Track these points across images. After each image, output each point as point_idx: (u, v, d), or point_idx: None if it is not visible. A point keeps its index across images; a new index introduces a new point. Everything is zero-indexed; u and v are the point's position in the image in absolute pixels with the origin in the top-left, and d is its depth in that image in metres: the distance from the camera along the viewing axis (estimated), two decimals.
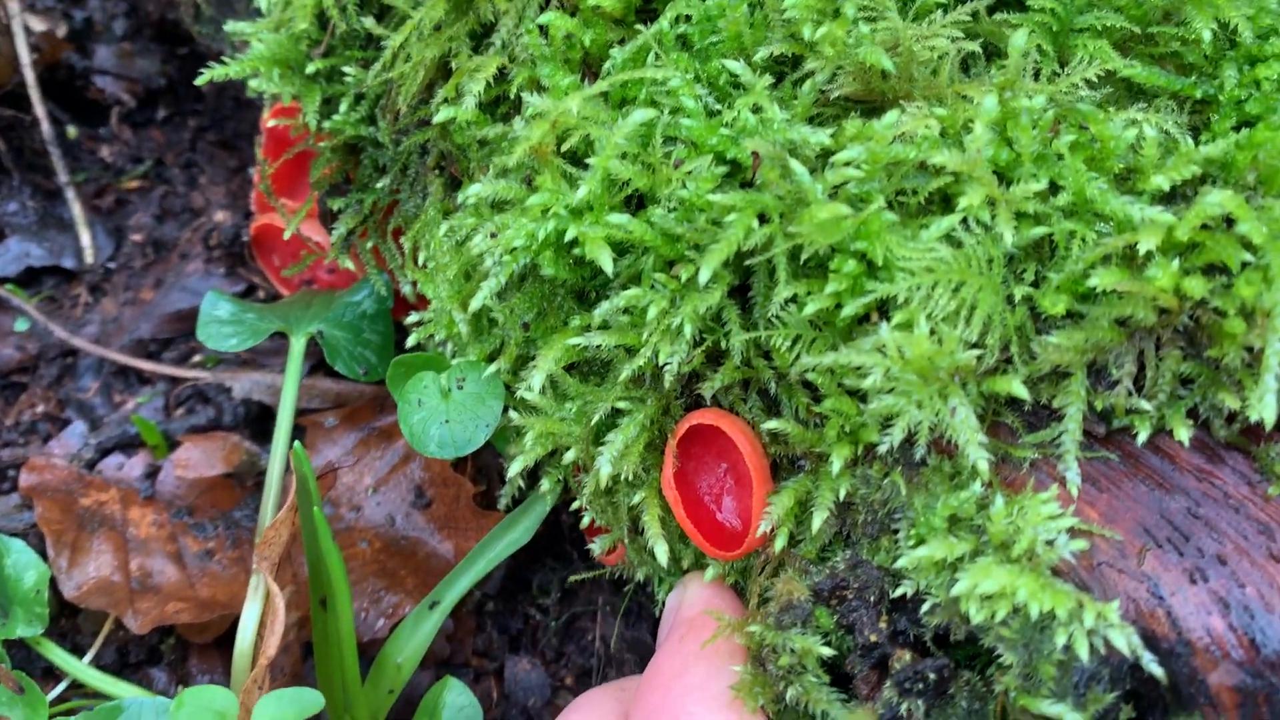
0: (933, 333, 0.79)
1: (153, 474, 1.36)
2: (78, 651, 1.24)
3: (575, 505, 1.06)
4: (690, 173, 0.88)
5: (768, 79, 0.90)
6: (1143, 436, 0.79)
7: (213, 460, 1.33)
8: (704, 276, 0.83)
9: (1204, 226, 0.76)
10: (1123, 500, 0.79)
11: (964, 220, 0.82)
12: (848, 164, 0.84)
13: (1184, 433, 0.77)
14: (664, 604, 1.01)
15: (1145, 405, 0.79)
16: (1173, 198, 0.83)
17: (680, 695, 0.83)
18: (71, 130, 1.68)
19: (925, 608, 0.80)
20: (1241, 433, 0.78)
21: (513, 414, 1.03)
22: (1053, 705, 0.73)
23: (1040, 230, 0.82)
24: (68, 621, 1.27)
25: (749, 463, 0.91)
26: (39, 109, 1.57)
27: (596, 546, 1.08)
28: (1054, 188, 0.84)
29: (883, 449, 0.82)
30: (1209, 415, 0.79)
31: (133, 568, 1.23)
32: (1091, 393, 0.80)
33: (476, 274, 1.07)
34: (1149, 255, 0.77)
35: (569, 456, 0.98)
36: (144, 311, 1.54)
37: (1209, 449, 0.79)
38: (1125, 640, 0.72)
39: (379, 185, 1.23)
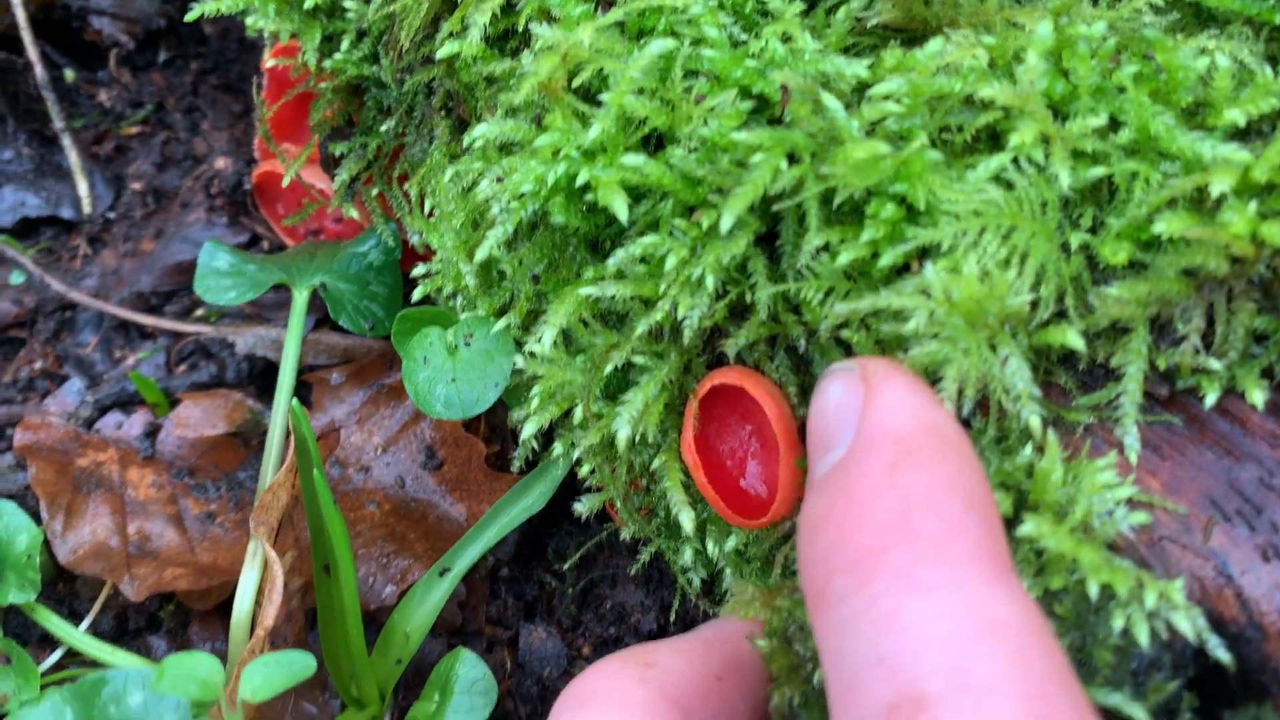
0: (983, 276, 0.71)
1: (153, 433, 1.31)
2: (75, 618, 1.20)
3: (558, 448, 0.99)
4: (713, 109, 0.81)
5: (799, 5, 0.82)
6: (1211, 399, 0.71)
7: (214, 419, 1.27)
8: (726, 223, 0.76)
9: None
10: (1187, 469, 0.72)
11: (1015, 160, 0.75)
12: (886, 98, 0.76)
13: (1258, 395, 0.70)
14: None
15: (1214, 364, 0.71)
16: (1248, 134, 0.75)
17: None
18: (69, 74, 1.62)
19: None
20: None
21: (519, 361, 0.96)
22: (1109, 694, 0.66)
23: (1099, 171, 0.74)
24: (65, 587, 1.22)
25: (775, 426, 0.84)
26: (32, 51, 1.51)
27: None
28: (1114, 124, 0.76)
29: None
30: None
31: (131, 531, 1.18)
32: (1154, 350, 0.73)
33: (484, 222, 1.00)
34: (1222, 198, 0.69)
35: (579, 414, 0.92)
36: (144, 263, 1.48)
37: None
38: (1190, 623, 0.65)
39: (383, 128, 1.16)
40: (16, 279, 1.47)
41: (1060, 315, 0.74)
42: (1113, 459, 0.71)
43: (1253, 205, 0.67)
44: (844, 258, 0.76)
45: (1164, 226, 0.69)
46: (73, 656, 1.15)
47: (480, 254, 0.92)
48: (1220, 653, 0.65)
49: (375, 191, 1.22)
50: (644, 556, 1.02)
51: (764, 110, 0.82)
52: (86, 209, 1.53)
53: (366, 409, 1.29)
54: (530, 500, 1.09)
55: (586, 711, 0.70)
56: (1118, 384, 0.73)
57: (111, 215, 1.55)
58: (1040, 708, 0.50)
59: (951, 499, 0.59)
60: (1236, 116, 0.73)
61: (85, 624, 1.18)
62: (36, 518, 1.16)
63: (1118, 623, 0.66)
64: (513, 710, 1.16)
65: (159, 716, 0.85)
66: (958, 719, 0.49)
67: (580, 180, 0.83)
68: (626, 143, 0.84)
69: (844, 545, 0.59)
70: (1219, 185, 0.68)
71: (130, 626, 1.20)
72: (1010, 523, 0.71)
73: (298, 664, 0.84)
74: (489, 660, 1.11)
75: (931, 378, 0.74)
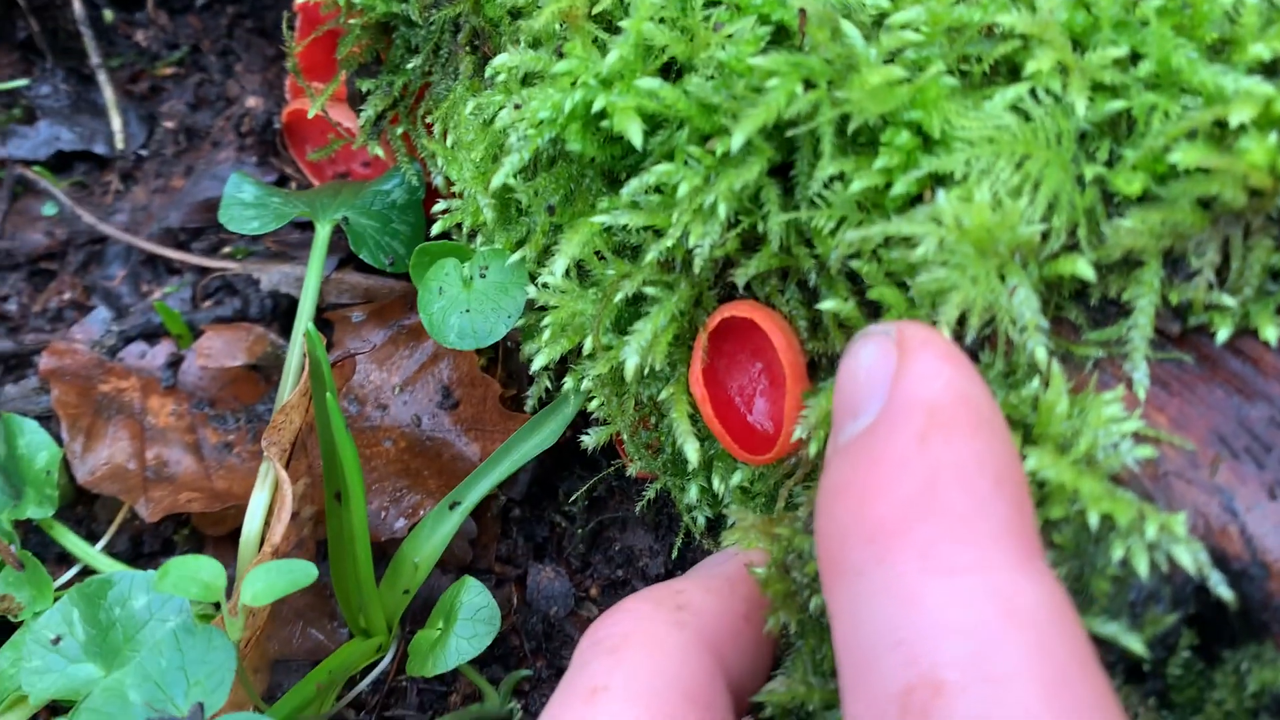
0: (995, 204, 0.71)
1: (176, 364, 1.32)
2: (93, 539, 1.22)
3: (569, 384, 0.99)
4: (731, 36, 0.80)
5: None
6: (1223, 335, 0.70)
7: (235, 351, 1.29)
8: (736, 143, 0.75)
9: None
10: (1196, 406, 0.71)
11: (1033, 91, 0.74)
12: (905, 26, 0.76)
13: (1272, 332, 0.68)
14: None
15: (1228, 300, 0.70)
16: (1274, 72, 0.74)
17: None
18: (108, 14, 1.64)
19: None
20: None
21: (531, 290, 0.96)
22: (1105, 624, 0.65)
23: (1118, 104, 0.73)
24: (84, 509, 1.24)
25: (782, 359, 0.84)
26: None
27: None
28: (1135, 57, 0.75)
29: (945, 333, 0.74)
30: None
31: (149, 456, 1.20)
32: (1167, 285, 0.72)
33: (503, 153, 1.00)
34: (1241, 129, 0.68)
35: (589, 345, 0.92)
36: (174, 200, 1.50)
37: None
38: (1191, 557, 0.64)
39: (410, 66, 1.16)
40: (49, 210, 1.50)
41: (1072, 248, 0.73)
42: (1120, 393, 0.70)
43: (1273, 136, 0.66)
44: (857, 186, 0.75)
45: (1180, 157, 0.68)
46: (88, 575, 1.17)
47: (496, 180, 0.93)
48: (1222, 589, 0.64)
49: (400, 131, 1.23)
50: (649, 494, 1.03)
51: (784, 40, 0.82)
52: (120, 145, 1.56)
53: (387, 348, 1.30)
54: (542, 437, 1.09)
55: (622, 657, 0.68)
56: (1128, 319, 0.72)
57: (144, 152, 1.57)
58: (1062, 700, 0.49)
59: (982, 476, 0.57)
60: (1262, 51, 0.71)
61: (101, 544, 1.20)
62: (58, 440, 1.18)
63: (1117, 553, 0.65)
64: (517, 646, 1.16)
65: (162, 619, 0.87)
66: (976, 709, 0.48)
67: (597, 107, 0.83)
68: (645, 71, 0.84)
69: (865, 515, 0.57)
70: (1239, 116, 0.67)
71: (145, 549, 1.22)
72: None
73: (298, 571, 0.85)
74: (497, 596, 1.11)
75: (937, 305, 0.74)
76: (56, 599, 1.00)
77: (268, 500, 1.03)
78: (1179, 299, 0.71)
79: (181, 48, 1.66)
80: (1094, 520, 0.66)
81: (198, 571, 0.82)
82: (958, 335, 0.74)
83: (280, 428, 0.99)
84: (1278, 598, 0.65)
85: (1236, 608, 0.65)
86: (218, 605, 0.94)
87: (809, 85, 0.76)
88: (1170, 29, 0.73)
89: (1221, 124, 0.69)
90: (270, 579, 0.83)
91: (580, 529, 1.24)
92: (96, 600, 0.89)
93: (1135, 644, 0.64)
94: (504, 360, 1.31)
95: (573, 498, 1.25)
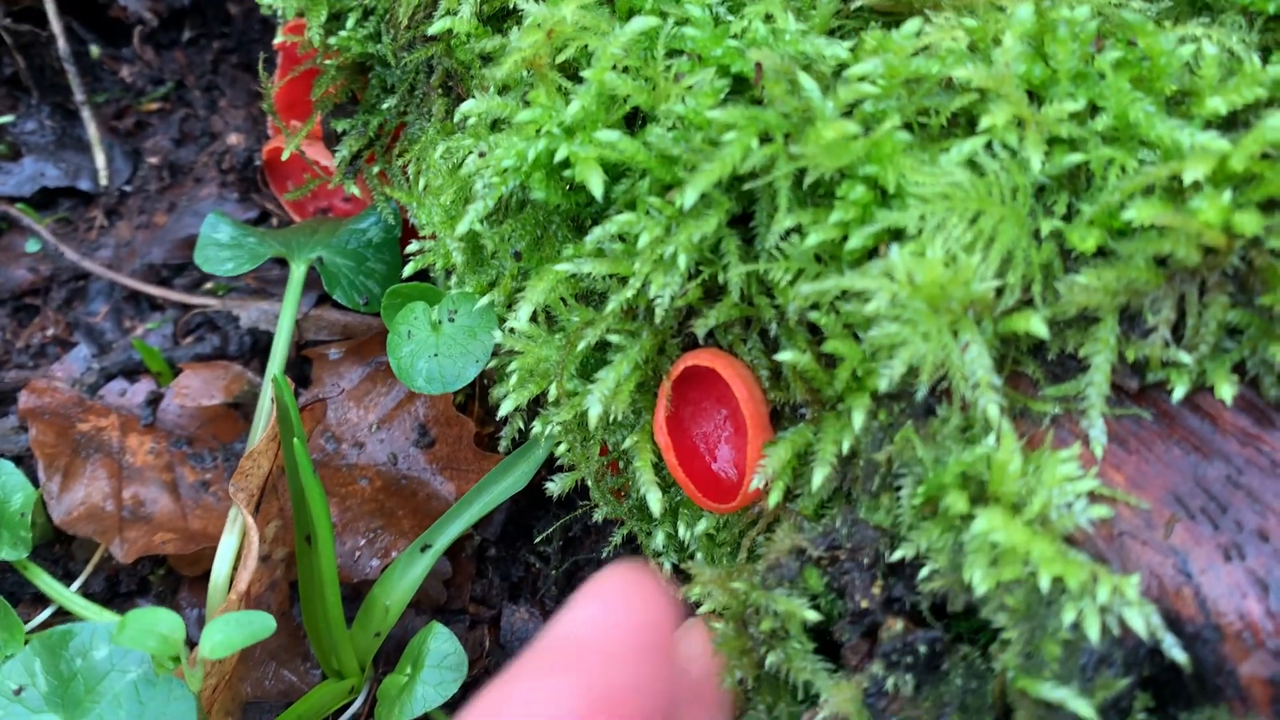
0: (949, 260, 0.70)
1: (155, 401, 1.32)
2: (69, 579, 1.22)
3: (537, 430, 0.98)
4: (691, 87, 0.80)
5: None
6: (1179, 392, 0.69)
7: (212, 389, 1.29)
8: (689, 198, 0.75)
9: (1264, 156, 0.66)
10: (1153, 464, 0.70)
11: (989, 145, 0.74)
12: (862, 79, 0.75)
13: (1228, 390, 0.68)
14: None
15: (1184, 357, 0.69)
16: (1233, 125, 0.73)
17: None
18: (94, 50, 1.65)
19: (924, 574, 0.72)
20: None
21: (497, 335, 0.96)
22: (1055, 689, 0.65)
23: (1075, 157, 0.72)
24: (62, 549, 1.24)
25: (744, 409, 0.83)
26: (55, 24, 1.54)
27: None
28: (1094, 110, 0.74)
29: (881, 385, 0.73)
30: (1258, 371, 0.69)
31: (125, 496, 1.20)
32: (1123, 341, 0.71)
33: (470, 198, 1.00)
34: (1196, 186, 0.67)
35: (553, 391, 0.91)
36: (157, 236, 1.50)
37: (1257, 410, 0.69)
38: (1144, 620, 0.63)
39: (385, 106, 1.17)
40: (32, 247, 1.50)
41: (1028, 303, 0.73)
42: (1075, 451, 0.70)
43: (1227, 194, 0.66)
44: (813, 239, 0.75)
45: (1135, 214, 0.68)
46: (64, 616, 1.17)
47: (460, 227, 0.93)
48: (1175, 652, 0.64)
49: (377, 170, 1.23)
50: (616, 539, 1.02)
51: (745, 90, 0.82)
52: (104, 181, 1.56)
53: (364, 386, 1.30)
54: (512, 480, 1.09)
55: None
56: (1085, 375, 0.71)
57: (128, 188, 1.58)
58: None
59: None
60: (1219, 105, 0.71)
61: (77, 585, 1.20)
62: (36, 479, 1.18)
63: (1068, 616, 0.64)
64: None
65: (123, 670, 0.87)
66: None
67: (559, 156, 0.83)
68: (608, 120, 0.84)
69: None
70: (1193, 172, 0.66)
71: (121, 589, 1.22)
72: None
73: (257, 624, 0.84)
74: (470, 638, 1.11)
75: (888, 359, 0.73)
76: (28, 642, 1.00)
77: (236, 545, 1.03)
78: (1136, 355, 0.71)
79: (167, 83, 1.66)
80: (1045, 583, 0.65)
81: (156, 624, 0.82)
82: (909, 389, 0.74)
83: (248, 473, 0.99)
84: (1231, 661, 0.64)
85: (1190, 671, 0.64)
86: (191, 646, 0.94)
87: (765, 139, 0.76)
88: (1128, 82, 0.73)
89: (1177, 178, 0.69)
90: (228, 632, 0.83)
91: (555, 569, 1.23)
92: (58, 650, 0.89)
93: (1085, 709, 0.63)
94: (481, 397, 1.31)
95: (540, 538, 1.25)
